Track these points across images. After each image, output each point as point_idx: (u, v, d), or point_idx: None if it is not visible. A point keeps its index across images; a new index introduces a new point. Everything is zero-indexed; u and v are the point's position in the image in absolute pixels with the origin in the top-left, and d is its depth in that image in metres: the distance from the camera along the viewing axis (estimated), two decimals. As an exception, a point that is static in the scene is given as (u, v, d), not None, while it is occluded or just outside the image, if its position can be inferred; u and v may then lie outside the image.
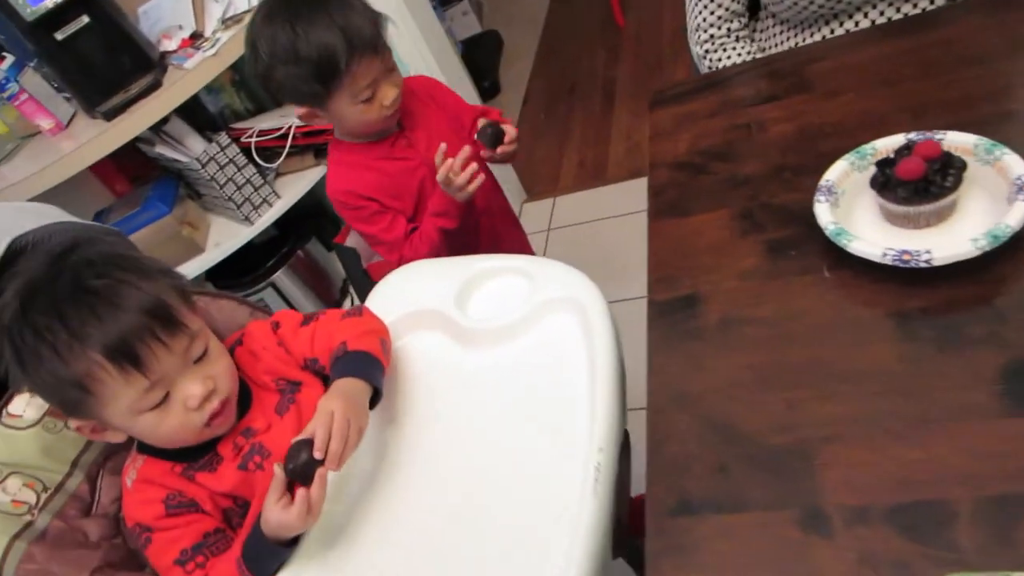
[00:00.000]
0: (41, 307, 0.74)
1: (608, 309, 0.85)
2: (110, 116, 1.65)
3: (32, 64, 1.73)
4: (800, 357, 0.69)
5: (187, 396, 0.78)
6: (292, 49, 1.06)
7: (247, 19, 1.32)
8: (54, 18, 1.55)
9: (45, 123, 1.72)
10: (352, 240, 1.49)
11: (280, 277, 2.03)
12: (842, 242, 0.70)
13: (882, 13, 1.06)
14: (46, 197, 1.59)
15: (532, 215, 2.34)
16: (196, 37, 1.83)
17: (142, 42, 1.73)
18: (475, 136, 1.17)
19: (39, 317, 0.73)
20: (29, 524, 0.81)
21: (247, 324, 0.98)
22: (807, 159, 0.83)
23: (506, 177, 2.33)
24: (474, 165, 1.13)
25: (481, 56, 3.04)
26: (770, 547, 0.60)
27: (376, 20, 1.10)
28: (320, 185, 1.96)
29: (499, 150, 1.17)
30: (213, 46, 1.72)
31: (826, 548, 0.58)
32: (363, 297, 1.56)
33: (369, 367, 0.85)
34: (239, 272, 2.03)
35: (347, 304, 2.18)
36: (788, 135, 0.90)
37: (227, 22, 1.81)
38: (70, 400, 0.76)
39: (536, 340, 0.88)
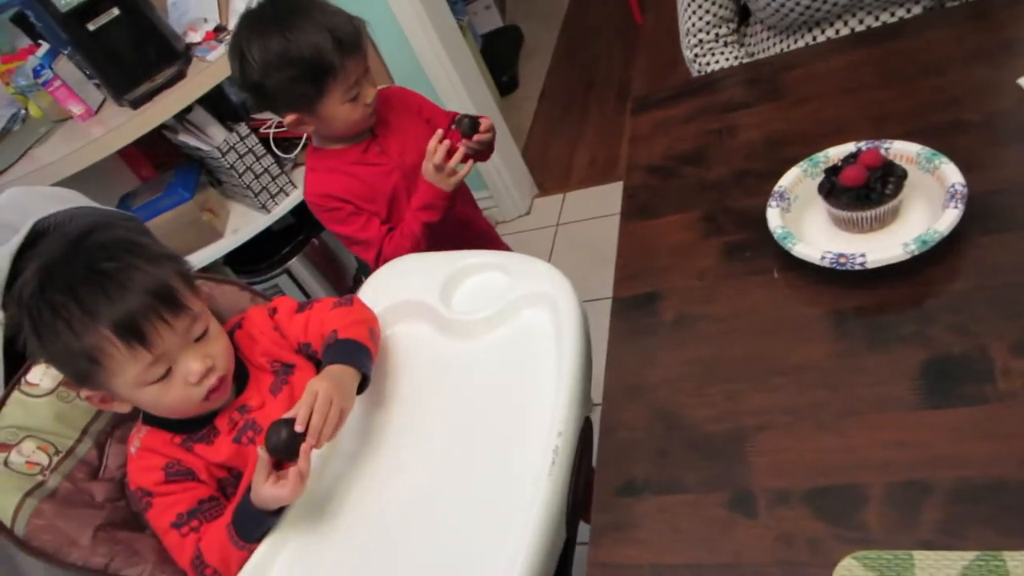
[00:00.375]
0: (57, 286, 0.82)
1: (579, 305, 0.90)
2: (137, 104, 1.74)
3: (66, 52, 1.82)
4: (743, 352, 0.74)
5: (188, 372, 0.85)
6: (285, 54, 1.12)
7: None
8: (87, 10, 1.64)
9: (76, 109, 1.81)
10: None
11: (295, 264, 2.11)
12: (787, 245, 0.75)
13: (861, 21, 1.09)
14: (76, 179, 1.67)
15: (542, 210, 2.39)
16: (220, 30, 1.90)
17: (168, 34, 1.81)
18: (451, 125, 1.22)
19: (55, 295, 0.81)
20: (41, 484, 0.90)
21: (247, 308, 1.05)
22: (770, 165, 0.87)
23: (518, 171, 2.39)
24: (463, 150, 1.19)
25: (501, 51, 3.09)
26: (700, 525, 0.65)
27: (355, 20, 1.17)
28: (335, 176, 2.03)
29: (475, 138, 1.21)
30: (235, 39, 1.79)
31: (749, 527, 0.63)
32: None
33: (357, 354, 0.92)
34: (256, 258, 2.11)
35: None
36: (755, 141, 0.94)
37: (249, 16, 1.88)
38: (81, 371, 0.84)
39: (512, 332, 0.94)
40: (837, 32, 1.11)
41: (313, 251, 2.14)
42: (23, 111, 1.99)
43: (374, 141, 1.29)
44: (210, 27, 1.91)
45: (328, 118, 1.21)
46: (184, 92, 1.77)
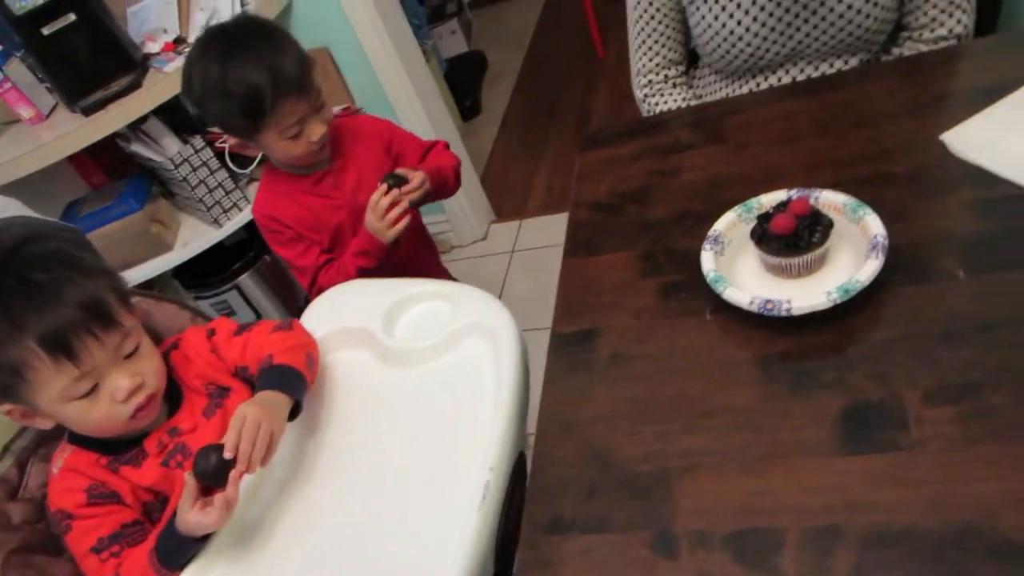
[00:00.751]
0: None
1: (519, 339, 0.91)
2: (89, 111, 1.71)
3: (18, 55, 1.78)
4: (674, 392, 0.75)
5: (115, 388, 0.84)
6: (222, 85, 1.12)
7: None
8: (42, 13, 1.61)
9: (26, 112, 1.77)
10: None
11: (246, 280, 2.08)
12: (719, 288, 0.77)
13: (802, 70, 1.13)
14: (23, 183, 1.63)
15: (498, 236, 2.40)
16: (179, 42, 1.88)
17: (126, 43, 1.79)
18: (379, 181, 1.20)
19: None
20: None
21: (186, 329, 1.03)
22: (710, 207, 0.90)
23: (476, 197, 2.40)
24: (400, 207, 1.18)
25: (464, 76, 3.12)
26: (622, 566, 0.65)
27: (304, 61, 1.16)
28: (290, 194, 2.02)
29: (404, 192, 1.19)
30: (193, 53, 1.78)
31: (670, 569, 0.64)
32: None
33: (291, 381, 0.91)
34: (206, 273, 2.08)
35: (311, 310, 2.23)
36: (697, 183, 0.97)
37: (209, 30, 1.87)
38: (3, 384, 0.82)
39: (452, 362, 0.94)
40: (779, 80, 1.15)
41: (264, 268, 2.12)
42: (-31, 110, 1.94)
43: (329, 173, 1.28)
44: (169, 38, 1.89)
45: (268, 150, 1.22)
46: (139, 102, 1.74)
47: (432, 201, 1.31)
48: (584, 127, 2.73)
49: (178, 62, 1.78)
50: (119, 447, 0.90)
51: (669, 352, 0.79)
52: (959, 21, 1.07)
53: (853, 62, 1.11)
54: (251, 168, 1.98)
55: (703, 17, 1.14)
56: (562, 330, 0.87)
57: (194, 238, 1.97)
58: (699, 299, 0.82)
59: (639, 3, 1.21)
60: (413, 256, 1.42)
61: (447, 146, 1.38)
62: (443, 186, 1.31)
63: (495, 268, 2.25)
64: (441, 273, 1.54)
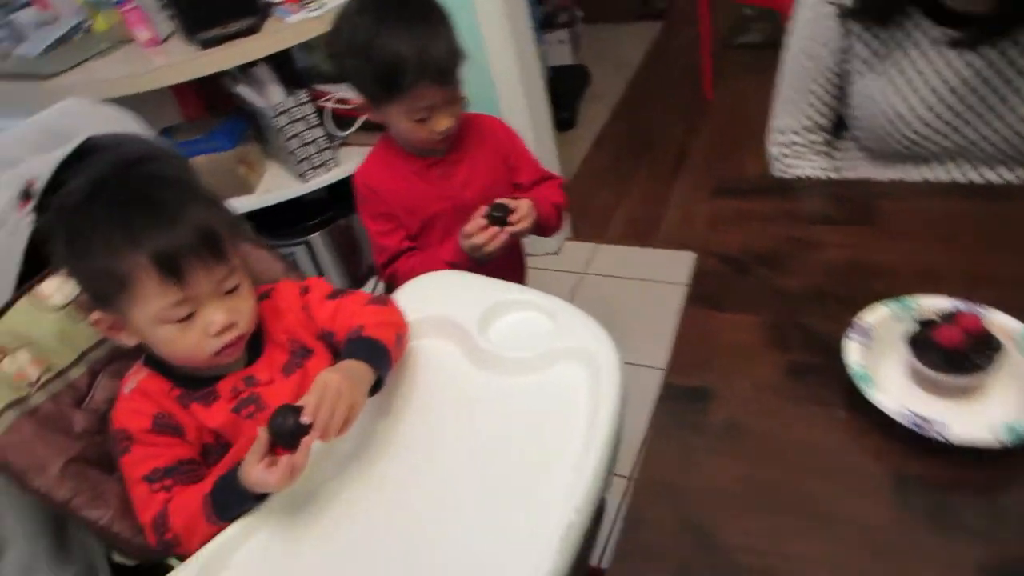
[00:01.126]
0: (106, 202, 0.79)
1: (621, 373, 0.86)
2: (206, 45, 1.71)
3: (147, -23, 1.80)
4: (793, 484, 0.69)
5: (209, 321, 0.82)
6: (367, 47, 1.09)
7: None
8: (175, -59, 1.62)
9: (143, 35, 1.78)
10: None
11: (317, 239, 2.07)
12: (864, 387, 0.71)
13: (964, 173, 1.07)
14: (123, 101, 1.63)
15: (571, 254, 2.35)
16: (307, -3, 1.88)
17: (252, -15, 1.79)
18: (484, 216, 1.17)
19: (102, 211, 0.78)
20: (25, 398, 0.86)
21: (279, 280, 1.01)
22: (851, 292, 0.84)
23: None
24: (496, 243, 1.15)
25: (566, 87, 3.08)
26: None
27: (455, 53, 1.12)
28: (379, 165, 2.00)
29: (508, 230, 1.16)
30: (318, 8, 1.77)
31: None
32: (386, 283, 1.59)
33: (378, 355, 0.88)
34: (279, 223, 2.07)
35: (370, 284, 2.21)
36: (839, 262, 0.91)
37: (338, -11, 1.86)
38: (105, 292, 0.81)
39: (546, 382, 0.90)
40: (935, 175, 1.08)
41: (337, 231, 2.10)
42: (88, 23, 1.96)
43: (442, 162, 1.25)
44: (297, -9, 1.88)
45: (390, 122, 1.19)
46: (255, 46, 1.74)
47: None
48: (680, 164, 2.67)
49: (301, 16, 1.78)
50: (194, 382, 0.89)
51: (792, 438, 0.73)
52: None
53: (1022, 173, 1.04)
54: (348, 132, 1.96)
55: (867, 90, 1.08)
56: (675, 382, 0.82)
57: (276, 187, 1.97)
58: (832, 389, 0.76)
59: (797, 58, 1.15)
60: (501, 269, 1.40)
61: (561, 185, 1.34)
62: (545, 226, 1.27)
63: (562, 286, 2.21)
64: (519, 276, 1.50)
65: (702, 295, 0.92)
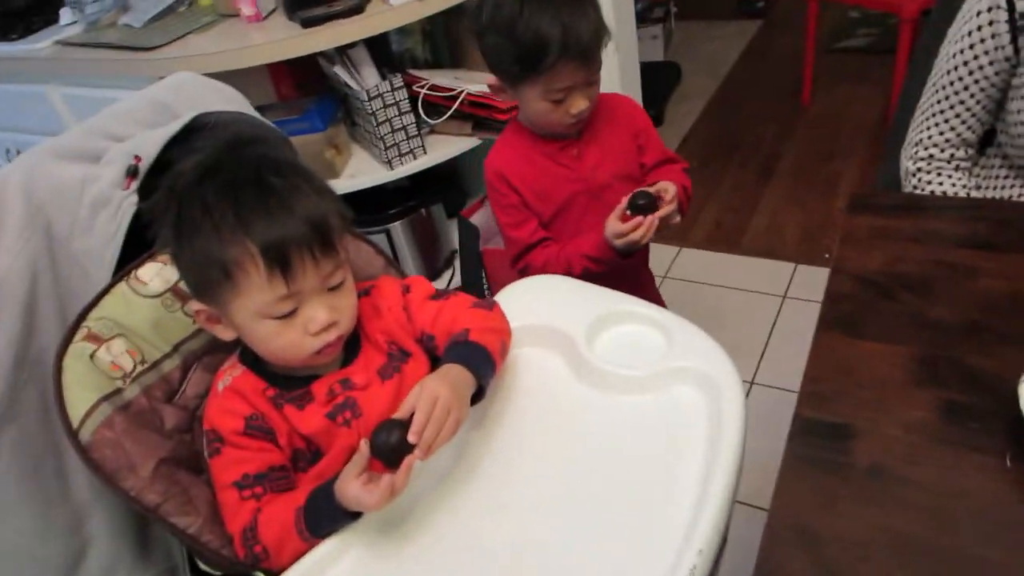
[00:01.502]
0: (217, 186, 0.75)
1: (744, 401, 0.79)
2: (308, 24, 1.70)
3: (255, -46, 1.79)
4: (951, 545, 0.61)
5: (311, 318, 0.78)
6: (511, 25, 1.06)
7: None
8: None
9: (247, 9, 1.78)
10: (478, 218, 1.48)
11: (397, 228, 2.04)
12: (1044, 439, 0.63)
13: None
14: (220, 76, 1.63)
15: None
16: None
17: (360, -34, 1.76)
18: (626, 208, 1.11)
19: (213, 195, 0.74)
20: (119, 391, 0.82)
21: (379, 277, 0.97)
22: (1016, 329, 0.75)
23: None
24: (641, 231, 1.09)
25: (654, 84, 2.98)
26: None
27: (600, 32, 1.08)
28: (464, 155, 1.96)
29: (659, 215, 1.10)
30: (424, -9, 1.73)
31: None
32: (467, 275, 1.54)
33: (482, 363, 0.82)
34: (360, 209, 2.04)
35: (446, 277, 2.18)
36: (999, 293, 0.82)
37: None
38: (207, 280, 0.76)
39: (659, 405, 0.83)
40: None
41: (418, 221, 2.07)
42: (193, -5, 1.98)
43: (575, 144, 1.20)
44: (405, -25, 1.85)
45: (524, 102, 1.14)
46: (356, 27, 1.72)
47: None
48: (769, 169, 2.56)
49: (405, -1, 1.74)
50: (288, 382, 0.84)
51: (948, 490, 0.65)
52: None
53: None
54: (438, 120, 1.93)
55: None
56: (810, 415, 0.74)
57: (362, 172, 1.95)
58: (996, 435, 0.67)
59: (955, 70, 1.05)
60: (637, 267, 1.34)
61: (686, 169, 1.27)
62: (679, 212, 1.19)
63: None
64: (653, 292, 1.46)
65: (839, 319, 0.84)
